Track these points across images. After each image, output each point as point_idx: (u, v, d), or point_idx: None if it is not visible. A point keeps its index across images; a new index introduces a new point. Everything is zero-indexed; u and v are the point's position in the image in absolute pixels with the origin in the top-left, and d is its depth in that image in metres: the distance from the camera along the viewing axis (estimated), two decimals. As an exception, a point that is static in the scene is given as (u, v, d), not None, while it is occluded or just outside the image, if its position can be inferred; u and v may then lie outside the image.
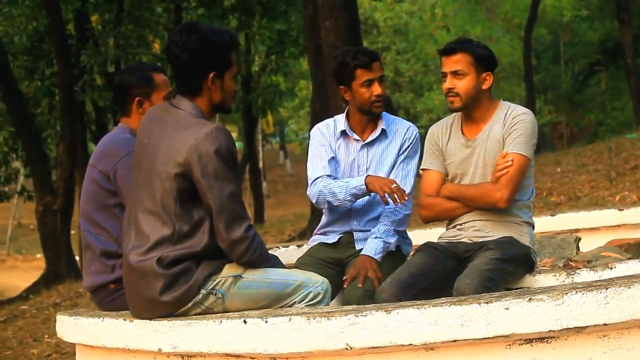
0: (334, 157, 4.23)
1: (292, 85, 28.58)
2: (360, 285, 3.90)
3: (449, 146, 4.05)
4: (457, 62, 3.91)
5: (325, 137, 4.27)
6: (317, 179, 4.16)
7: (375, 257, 4.03)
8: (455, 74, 3.92)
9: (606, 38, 29.06)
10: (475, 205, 3.93)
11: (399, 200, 3.85)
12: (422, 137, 4.19)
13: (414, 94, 36.31)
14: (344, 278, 4.04)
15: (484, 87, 3.92)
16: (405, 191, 3.94)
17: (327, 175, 4.15)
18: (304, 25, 11.85)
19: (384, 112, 4.23)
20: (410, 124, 4.32)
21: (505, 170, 3.81)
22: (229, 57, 3.37)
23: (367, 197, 4.16)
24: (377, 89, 4.12)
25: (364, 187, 3.98)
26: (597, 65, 30.59)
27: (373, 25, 36.24)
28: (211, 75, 3.32)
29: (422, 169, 4.14)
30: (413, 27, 34.65)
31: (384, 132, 4.20)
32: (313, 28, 10.73)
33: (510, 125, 3.87)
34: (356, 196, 4.04)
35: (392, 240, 4.10)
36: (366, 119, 4.22)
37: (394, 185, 3.87)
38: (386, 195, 3.87)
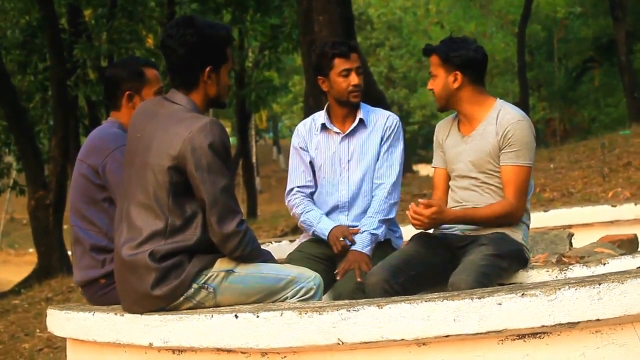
0: (311, 161, 4.28)
1: (285, 80, 28.53)
2: (359, 280, 3.90)
3: (447, 142, 4.08)
4: (431, 63, 3.98)
5: (302, 137, 4.31)
6: (291, 190, 4.29)
7: (364, 252, 4.04)
8: (431, 75, 3.98)
9: (600, 35, 29.06)
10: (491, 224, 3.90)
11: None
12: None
13: (408, 90, 36.33)
14: (336, 272, 4.04)
15: (454, 86, 3.91)
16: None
17: (298, 187, 4.27)
18: (298, 20, 11.79)
19: (362, 103, 4.25)
20: (390, 113, 4.32)
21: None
22: (225, 51, 3.37)
23: (353, 192, 4.21)
24: (354, 79, 4.14)
25: (325, 237, 4.14)
26: (591, 62, 30.60)
27: (367, 21, 36.27)
28: (207, 69, 3.31)
29: (433, 167, 4.20)
30: (407, 23, 34.71)
31: (362, 122, 4.21)
32: (307, 23, 10.68)
33: (508, 137, 3.83)
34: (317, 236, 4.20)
35: (380, 231, 4.12)
36: (345, 111, 4.23)
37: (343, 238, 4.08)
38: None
